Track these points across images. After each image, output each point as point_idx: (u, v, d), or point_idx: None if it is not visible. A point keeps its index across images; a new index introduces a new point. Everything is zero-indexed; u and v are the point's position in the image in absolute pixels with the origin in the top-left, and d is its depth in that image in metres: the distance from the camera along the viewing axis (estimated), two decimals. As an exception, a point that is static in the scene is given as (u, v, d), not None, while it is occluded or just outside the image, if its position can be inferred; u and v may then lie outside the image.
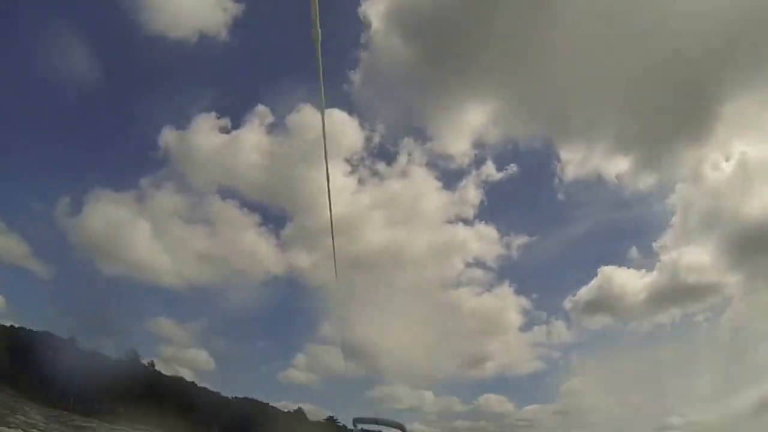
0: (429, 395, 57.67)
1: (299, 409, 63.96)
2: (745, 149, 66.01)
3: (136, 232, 74.26)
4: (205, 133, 78.54)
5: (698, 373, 55.21)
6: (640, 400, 52.85)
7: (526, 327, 71.68)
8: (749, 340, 58.03)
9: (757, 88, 63.36)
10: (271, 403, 65.05)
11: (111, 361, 56.82)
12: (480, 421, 58.52)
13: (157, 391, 56.17)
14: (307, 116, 69.28)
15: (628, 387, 53.10)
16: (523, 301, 66.64)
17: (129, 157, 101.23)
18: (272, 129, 75.15)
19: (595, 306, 67.41)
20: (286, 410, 65.29)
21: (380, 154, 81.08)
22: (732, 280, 71.08)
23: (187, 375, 67.16)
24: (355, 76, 77.87)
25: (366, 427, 37.40)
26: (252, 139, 73.78)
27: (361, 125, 72.15)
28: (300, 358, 70.19)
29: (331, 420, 63.35)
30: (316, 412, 64.25)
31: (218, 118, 79.26)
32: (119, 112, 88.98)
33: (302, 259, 68.11)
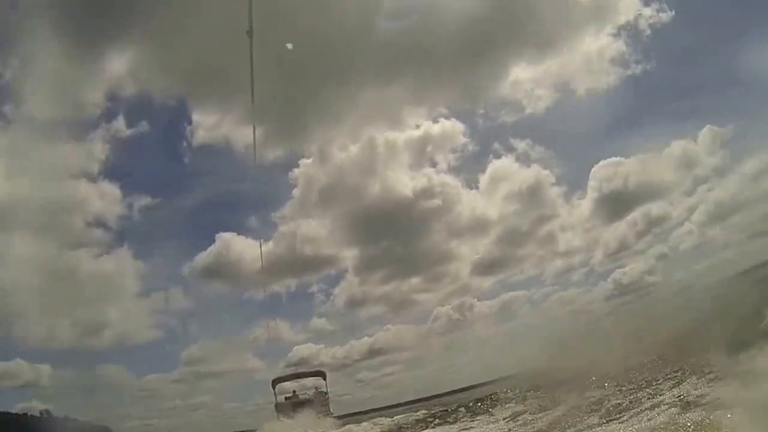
0: (46, 369, 55.70)
1: None
2: (374, 135, 68.14)
3: None
4: None
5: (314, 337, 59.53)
6: (257, 364, 61.54)
7: (144, 294, 72.47)
8: (359, 309, 63.59)
9: (391, 81, 67.37)
10: None
11: None
12: (100, 392, 60.18)
13: None
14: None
15: (250, 351, 60.98)
16: (142, 266, 67.76)
17: None
18: None
19: (212, 273, 71.35)
20: None
21: (8, 94, 73.27)
22: (348, 254, 70.71)
23: None
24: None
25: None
26: None
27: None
28: None
29: None
30: None
31: None
32: None
33: None
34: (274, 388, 37.37)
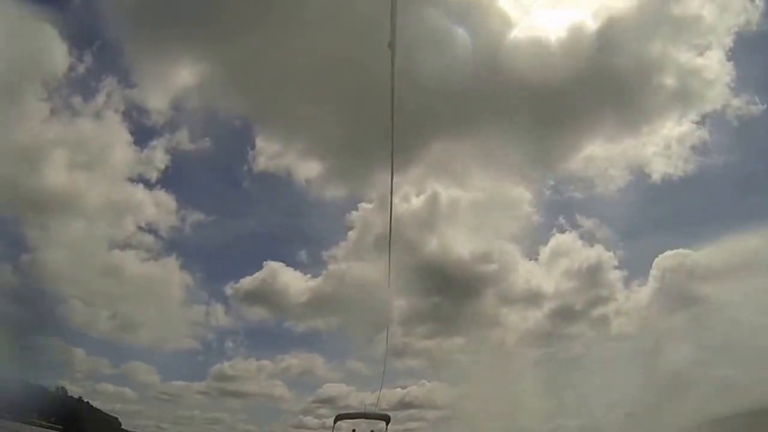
0: (80, 352, 54.36)
1: None
2: (438, 189, 67.18)
3: None
4: None
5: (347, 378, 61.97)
6: (285, 393, 59.02)
7: (186, 304, 69.37)
8: (398, 359, 61.89)
9: (464, 137, 63.76)
10: None
11: None
12: (125, 387, 59.40)
13: None
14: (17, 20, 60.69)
15: (281, 378, 60.07)
16: (187, 278, 64.88)
17: None
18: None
19: (255, 298, 68.24)
20: None
21: (80, 87, 75.02)
22: (396, 304, 75.81)
23: None
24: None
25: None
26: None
27: (71, 50, 67.00)
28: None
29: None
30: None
31: None
32: None
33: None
34: (335, 423, 36.28)
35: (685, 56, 59.17)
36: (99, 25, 69.35)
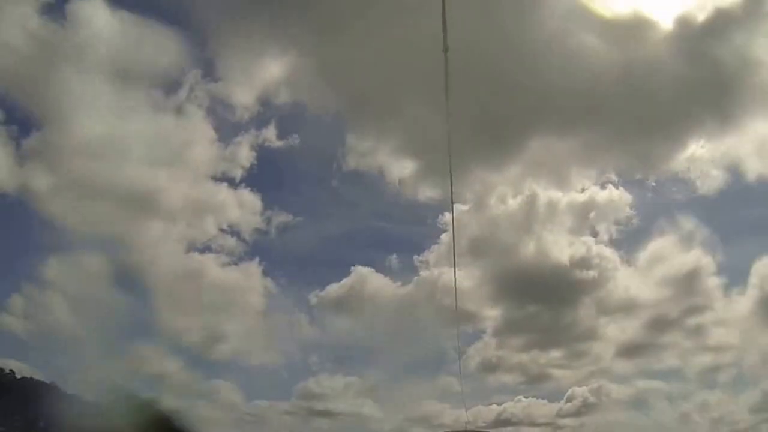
0: (174, 366, 51.82)
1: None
2: (537, 190, 63.39)
3: None
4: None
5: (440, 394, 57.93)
6: (375, 412, 55.87)
7: (268, 313, 65.07)
8: (492, 373, 59.99)
9: (563, 136, 61.59)
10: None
11: None
12: (202, 403, 55.97)
13: None
14: (92, 10, 56.13)
15: (367, 396, 55.18)
16: (270, 284, 62.12)
17: None
18: (49, 10, 56.57)
19: (341, 306, 63.78)
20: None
21: (161, 79, 71.37)
22: (490, 313, 63.35)
23: None
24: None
25: None
26: (18, 12, 57.38)
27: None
28: (16, 300, 53.54)
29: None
30: (29, 372, 51.91)
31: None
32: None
33: (41, 180, 54.65)
34: None
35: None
36: (183, 15, 68.59)
